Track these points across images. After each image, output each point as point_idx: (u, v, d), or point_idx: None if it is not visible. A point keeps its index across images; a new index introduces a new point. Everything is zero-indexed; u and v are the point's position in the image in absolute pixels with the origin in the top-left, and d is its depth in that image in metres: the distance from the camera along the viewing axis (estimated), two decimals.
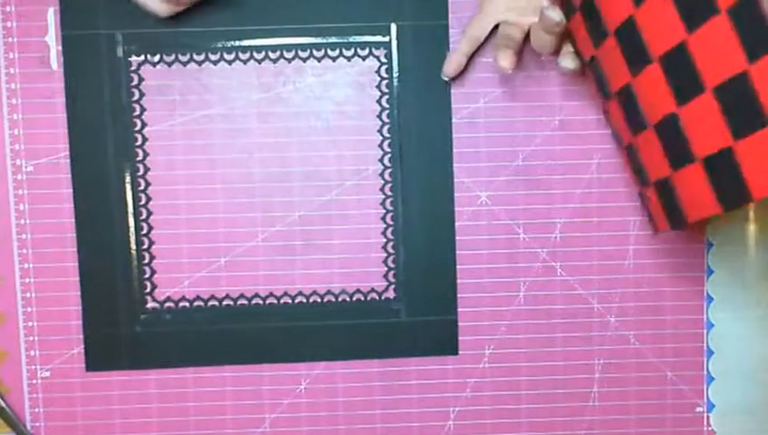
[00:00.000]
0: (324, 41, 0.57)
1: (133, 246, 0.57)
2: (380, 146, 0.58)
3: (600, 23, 0.48)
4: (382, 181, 0.58)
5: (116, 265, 0.57)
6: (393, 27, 0.57)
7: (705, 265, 0.59)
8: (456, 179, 0.58)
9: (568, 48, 0.53)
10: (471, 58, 0.57)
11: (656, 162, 0.50)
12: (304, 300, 0.58)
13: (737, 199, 0.45)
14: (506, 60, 0.53)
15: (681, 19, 0.43)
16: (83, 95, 0.56)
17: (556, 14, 0.48)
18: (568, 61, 0.51)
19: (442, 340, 0.59)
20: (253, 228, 0.58)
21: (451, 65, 0.56)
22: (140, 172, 0.57)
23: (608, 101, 0.52)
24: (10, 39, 0.56)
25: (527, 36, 0.54)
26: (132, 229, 0.57)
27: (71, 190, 0.57)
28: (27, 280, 0.57)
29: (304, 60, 0.57)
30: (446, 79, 0.57)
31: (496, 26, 0.55)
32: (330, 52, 0.57)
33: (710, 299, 0.59)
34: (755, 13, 0.40)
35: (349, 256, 0.58)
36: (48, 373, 0.58)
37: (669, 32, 0.44)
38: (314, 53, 0.57)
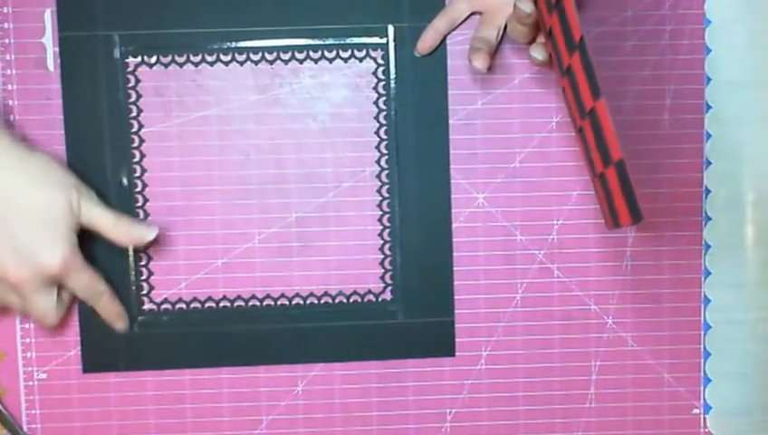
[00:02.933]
0: (321, 42, 0.57)
1: (130, 247, 0.57)
2: (377, 147, 0.58)
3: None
4: (379, 183, 0.58)
5: (113, 267, 0.57)
6: (390, 29, 0.57)
7: (703, 267, 0.59)
8: (452, 181, 0.58)
9: (541, 39, 0.53)
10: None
11: (594, 153, 0.49)
12: (301, 302, 0.58)
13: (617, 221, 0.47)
14: (479, 61, 0.54)
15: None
16: (80, 97, 0.56)
17: (527, 6, 0.50)
18: (537, 51, 0.52)
19: (439, 341, 0.59)
20: (249, 230, 0.58)
21: (425, 42, 0.57)
22: (137, 173, 0.57)
23: (563, 78, 0.52)
24: (7, 40, 0.56)
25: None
26: None
27: None
28: None
29: (301, 61, 0.57)
30: (419, 55, 0.57)
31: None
32: (326, 53, 0.57)
33: (707, 301, 0.59)
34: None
35: (346, 257, 0.58)
36: (45, 375, 0.58)
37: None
38: (311, 54, 0.57)
